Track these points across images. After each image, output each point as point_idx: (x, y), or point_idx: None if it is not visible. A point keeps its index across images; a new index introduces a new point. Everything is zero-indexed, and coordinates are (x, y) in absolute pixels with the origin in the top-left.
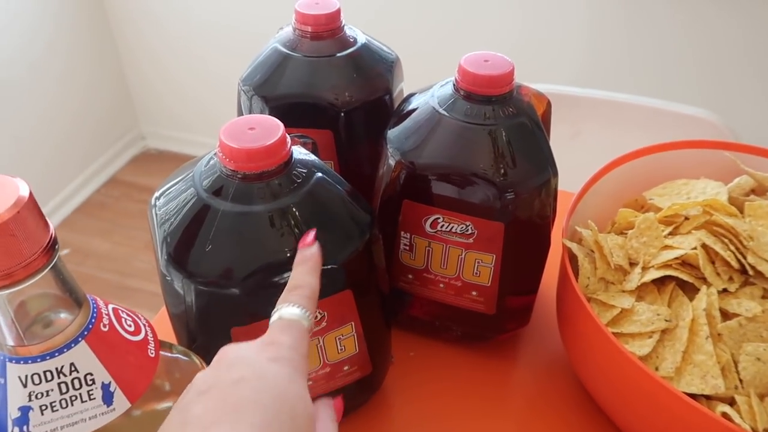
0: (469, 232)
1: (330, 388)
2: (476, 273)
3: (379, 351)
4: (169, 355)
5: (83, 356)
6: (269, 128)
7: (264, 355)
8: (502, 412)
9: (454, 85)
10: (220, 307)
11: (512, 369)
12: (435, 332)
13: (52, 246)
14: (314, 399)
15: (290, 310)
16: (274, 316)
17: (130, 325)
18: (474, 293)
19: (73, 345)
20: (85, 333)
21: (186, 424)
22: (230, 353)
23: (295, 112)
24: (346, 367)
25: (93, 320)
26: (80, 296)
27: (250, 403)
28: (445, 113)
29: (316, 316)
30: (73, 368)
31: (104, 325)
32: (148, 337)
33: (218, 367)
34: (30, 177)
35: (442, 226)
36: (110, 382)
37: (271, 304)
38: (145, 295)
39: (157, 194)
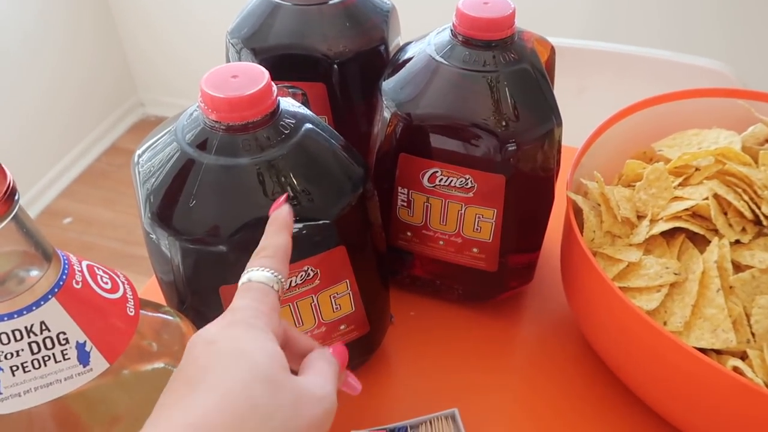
0: (469, 185)
1: None
2: (477, 229)
3: (377, 310)
4: (157, 315)
5: (54, 314)
6: (253, 76)
7: (218, 324)
8: (506, 372)
9: (451, 30)
10: (208, 265)
11: (515, 328)
12: (436, 291)
13: (10, 195)
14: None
15: (258, 274)
16: (242, 279)
17: (106, 283)
18: (475, 250)
19: (42, 303)
20: (56, 290)
21: (150, 417)
22: (193, 338)
23: (286, 65)
24: (342, 326)
25: (64, 277)
26: (48, 251)
27: (205, 371)
28: (442, 61)
29: (309, 274)
30: (44, 327)
31: (77, 282)
32: (127, 295)
33: (183, 356)
34: (30, 147)
35: (440, 180)
36: (85, 342)
37: None
38: (149, 262)
39: (139, 151)
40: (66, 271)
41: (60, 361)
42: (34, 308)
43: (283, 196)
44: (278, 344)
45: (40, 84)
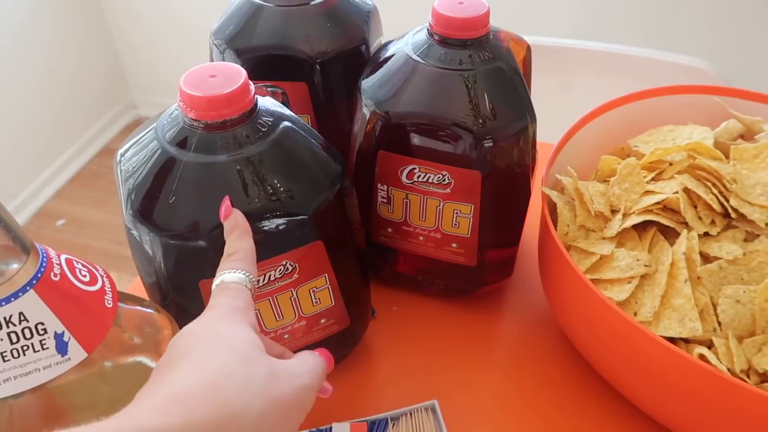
0: (446, 182)
1: (308, 341)
2: (455, 224)
3: (357, 304)
4: (137, 308)
5: (33, 305)
6: (231, 75)
7: (197, 320)
8: (486, 366)
9: (428, 30)
10: (188, 260)
11: (496, 322)
12: (418, 287)
13: None
14: (295, 353)
15: (230, 276)
16: (215, 282)
17: (84, 275)
18: (454, 245)
19: (20, 294)
20: (34, 282)
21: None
22: (175, 336)
23: (268, 65)
24: (323, 320)
25: (42, 269)
26: (27, 244)
27: (184, 353)
28: (419, 60)
29: (288, 268)
30: (22, 317)
31: (55, 275)
32: (105, 288)
33: (166, 350)
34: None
35: (418, 177)
36: (63, 332)
37: None
38: None
39: (121, 151)
40: (44, 264)
41: (39, 351)
42: (12, 299)
43: (226, 200)
44: (254, 332)
45: (32, 85)
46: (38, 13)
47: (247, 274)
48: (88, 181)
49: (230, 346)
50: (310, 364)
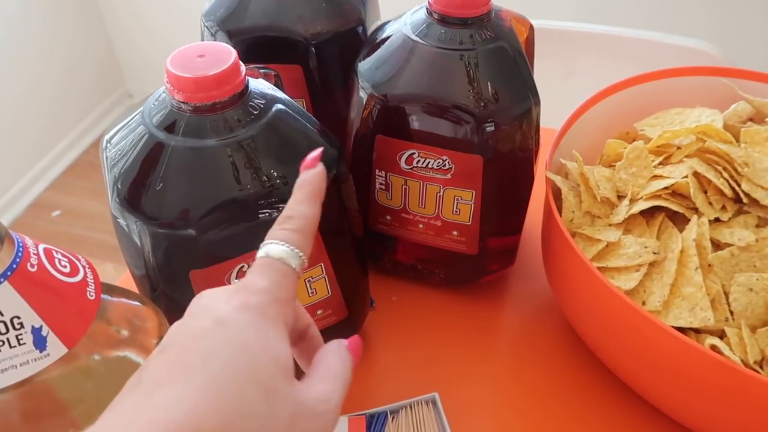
0: (447, 167)
1: None
2: (456, 211)
3: (355, 295)
4: (124, 301)
5: (7, 298)
6: (220, 56)
7: (231, 302)
8: (488, 357)
9: (427, 8)
10: (178, 249)
11: (498, 312)
12: (418, 276)
13: None
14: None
15: (276, 248)
16: (260, 253)
17: (65, 266)
18: (455, 233)
19: None
20: (8, 273)
21: (139, 383)
22: (198, 302)
23: (262, 48)
24: (320, 311)
25: (18, 260)
26: (0, 233)
27: (205, 359)
28: (418, 40)
29: None
30: None
31: (32, 266)
32: (87, 279)
33: (184, 320)
34: (16, 139)
35: (417, 162)
36: (41, 326)
37: (229, 245)
38: None
39: (107, 137)
40: (20, 254)
41: (15, 347)
42: None
43: (319, 150)
44: (288, 342)
45: (25, 76)
46: (29, 2)
47: (300, 253)
48: (83, 171)
49: (255, 372)
50: (338, 392)
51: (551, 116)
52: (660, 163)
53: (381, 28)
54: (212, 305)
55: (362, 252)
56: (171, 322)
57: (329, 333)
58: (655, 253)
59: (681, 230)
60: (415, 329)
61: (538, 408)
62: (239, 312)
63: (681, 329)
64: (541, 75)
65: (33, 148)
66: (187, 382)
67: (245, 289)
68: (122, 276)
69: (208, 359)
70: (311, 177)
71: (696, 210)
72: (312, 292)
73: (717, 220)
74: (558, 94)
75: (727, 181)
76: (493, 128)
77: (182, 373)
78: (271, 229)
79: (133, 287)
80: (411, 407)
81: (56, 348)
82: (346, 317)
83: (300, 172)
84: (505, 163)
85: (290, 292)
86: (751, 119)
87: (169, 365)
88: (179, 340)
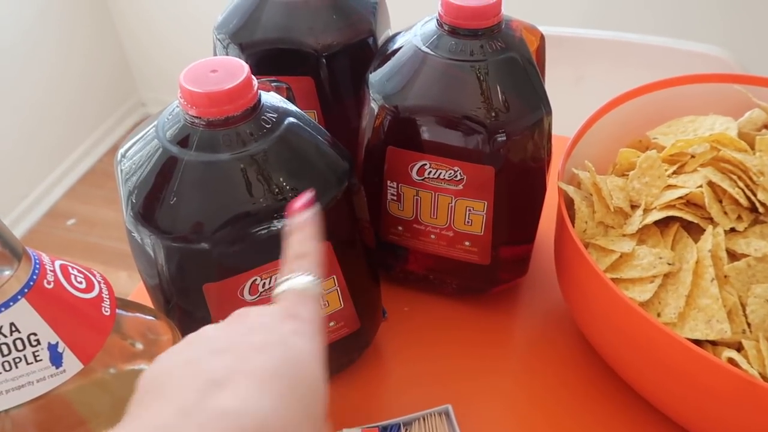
0: (458, 178)
1: None
2: (468, 222)
3: (367, 306)
4: (139, 316)
5: (25, 315)
6: (233, 70)
7: (287, 326)
8: (501, 367)
9: (437, 20)
10: (191, 263)
11: (510, 322)
12: (430, 286)
13: None
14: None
15: (301, 280)
16: (283, 286)
17: (80, 282)
18: (467, 243)
19: (11, 303)
20: (26, 290)
21: (198, 377)
22: (251, 317)
23: (273, 60)
24: (332, 323)
25: (35, 277)
26: (18, 250)
27: (273, 371)
28: (429, 51)
29: None
30: (13, 328)
31: (48, 282)
32: (103, 295)
33: (235, 330)
34: (32, 149)
35: (429, 173)
36: (58, 342)
37: (242, 258)
38: None
39: (122, 150)
40: (37, 271)
41: (32, 363)
42: (3, 309)
43: (306, 194)
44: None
45: (40, 85)
46: (46, 12)
47: (317, 279)
48: (98, 180)
49: (311, 398)
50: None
51: (562, 123)
52: (674, 173)
53: (391, 39)
54: (269, 324)
55: (374, 263)
56: (184, 335)
57: (341, 345)
58: (669, 264)
59: (696, 241)
60: (427, 340)
61: (551, 420)
62: (299, 339)
63: (697, 342)
64: (551, 81)
65: (48, 157)
66: (258, 389)
67: (296, 318)
68: (137, 286)
69: (278, 373)
70: (308, 220)
71: (711, 220)
72: (324, 305)
73: (732, 230)
74: (569, 100)
75: (743, 190)
76: (504, 139)
77: (251, 379)
78: (287, 266)
79: (147, 297)
80: (424, 419)
81: (72, 364)
82: (358, 329)
83: (288, 214)
84: (516, 174)
85: (320, 318)
86: (766, 127)
87: (236, 369)
88: (239, 348)
